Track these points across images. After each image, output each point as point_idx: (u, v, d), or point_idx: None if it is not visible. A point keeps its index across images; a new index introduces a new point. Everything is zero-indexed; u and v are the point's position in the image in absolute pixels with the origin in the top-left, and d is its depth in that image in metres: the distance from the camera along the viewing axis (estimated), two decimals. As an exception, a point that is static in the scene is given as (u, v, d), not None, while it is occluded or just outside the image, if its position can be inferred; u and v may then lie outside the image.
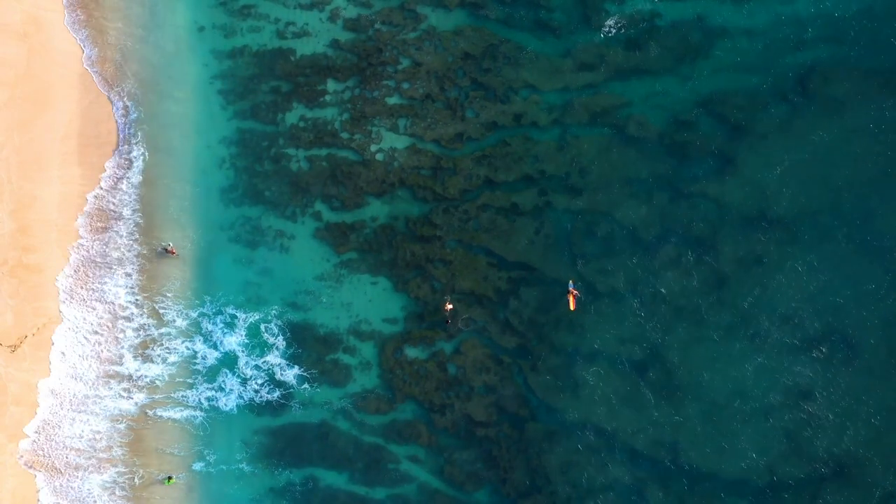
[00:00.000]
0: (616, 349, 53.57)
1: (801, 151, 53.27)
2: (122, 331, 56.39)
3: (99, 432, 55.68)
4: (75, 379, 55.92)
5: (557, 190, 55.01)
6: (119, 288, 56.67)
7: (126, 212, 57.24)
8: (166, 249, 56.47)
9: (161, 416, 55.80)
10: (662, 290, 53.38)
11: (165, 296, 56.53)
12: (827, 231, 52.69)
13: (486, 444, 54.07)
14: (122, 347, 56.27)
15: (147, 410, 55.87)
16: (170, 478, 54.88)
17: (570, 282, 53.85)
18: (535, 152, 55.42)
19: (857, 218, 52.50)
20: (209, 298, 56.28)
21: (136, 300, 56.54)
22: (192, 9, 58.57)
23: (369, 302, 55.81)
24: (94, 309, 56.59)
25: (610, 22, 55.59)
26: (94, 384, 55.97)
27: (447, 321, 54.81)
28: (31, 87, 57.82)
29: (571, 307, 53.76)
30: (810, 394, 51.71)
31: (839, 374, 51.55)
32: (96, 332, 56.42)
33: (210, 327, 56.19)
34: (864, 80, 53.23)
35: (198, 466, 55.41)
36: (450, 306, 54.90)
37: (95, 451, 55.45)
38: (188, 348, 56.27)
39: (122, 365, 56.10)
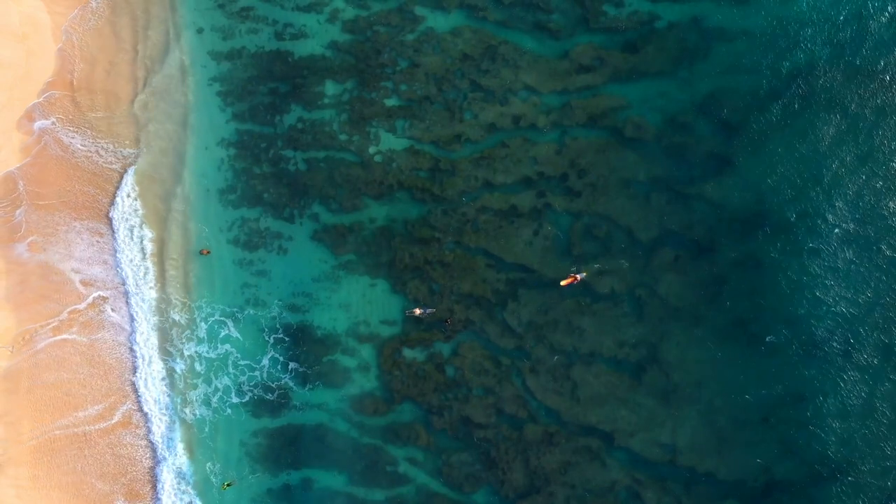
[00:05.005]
0: (614, 350, 53.63)
1: (798, 152, 53.31)
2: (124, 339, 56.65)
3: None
4: None
5: (556, 192, 55.05)
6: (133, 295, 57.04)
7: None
8: (200, 252, 56.52)
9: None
10: (660, 292, 53.42)
11: (164, 297, 56.65)
12: (825, 232, 52.73)
13: (485, 445, 54.14)
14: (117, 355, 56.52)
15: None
16: (228, 483, 54.83)
17: (584, 273, 53.85)
18: (533, 154, 55.44)
19: (855, 218, 52.56)
20: (206, 300, 56.34)
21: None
22: (190, 11, 58.58)
23: (368, 304, 55.86)
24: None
25: (608, 24, 55.62)
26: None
27: (446, 320, 54.80)
28: (30, 88, 57.86)
29: (563, 283, 53.79)
30: (807, 395, 51.76)
31: (836, 376, 51.62)
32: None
33: (206, 328, 56.22)
34: (860, 81, 53.27)
35: (195, 468, 55.47)
36: (418, 311, 54.74)
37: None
38: (185, 349, 56.27)
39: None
